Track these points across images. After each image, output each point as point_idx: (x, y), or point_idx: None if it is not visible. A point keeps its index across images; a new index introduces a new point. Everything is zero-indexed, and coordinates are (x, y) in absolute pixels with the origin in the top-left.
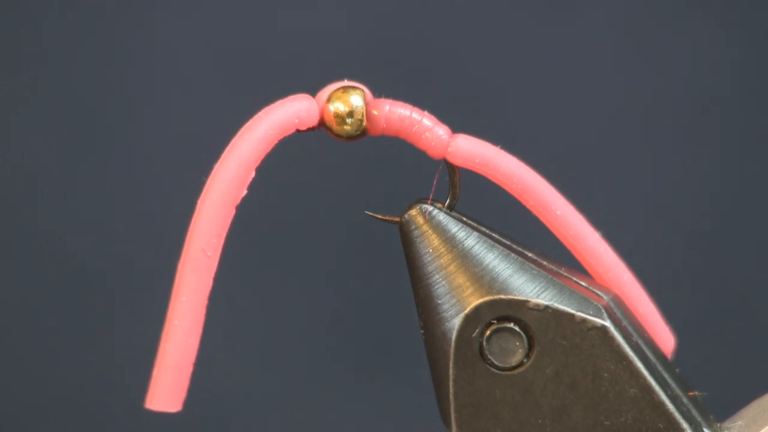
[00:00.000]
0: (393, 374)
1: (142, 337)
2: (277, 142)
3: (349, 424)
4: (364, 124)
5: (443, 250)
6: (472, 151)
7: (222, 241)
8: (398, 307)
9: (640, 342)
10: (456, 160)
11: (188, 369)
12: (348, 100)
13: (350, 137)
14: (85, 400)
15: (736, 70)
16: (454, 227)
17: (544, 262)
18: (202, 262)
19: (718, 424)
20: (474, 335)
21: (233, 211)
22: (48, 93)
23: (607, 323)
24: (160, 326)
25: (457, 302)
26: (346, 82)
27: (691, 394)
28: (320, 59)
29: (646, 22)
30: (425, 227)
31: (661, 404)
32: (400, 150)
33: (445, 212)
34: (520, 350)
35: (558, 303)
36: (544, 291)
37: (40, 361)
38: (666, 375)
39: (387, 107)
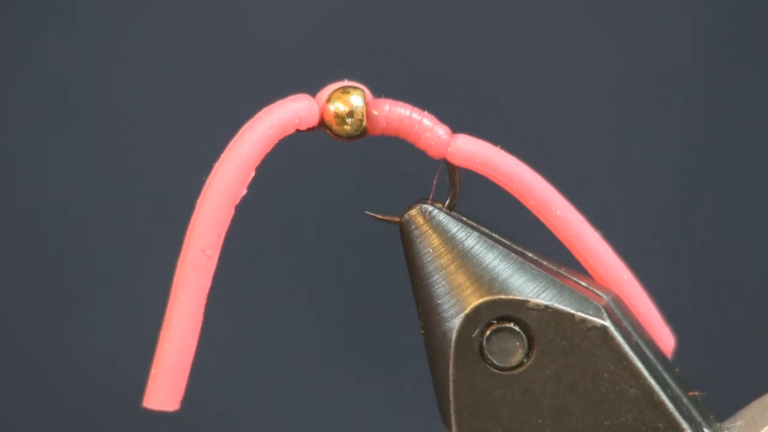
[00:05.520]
0: (393, 374)
1: (140, 336)
2: (277, 142)
3: (349, 424)
4: (364, 124)
5: (443, 250)
6: (472, 151)
7: (221, 241)
8: (398, 307)
9: (640, 342)
10: (456, 160)
11: (186, 368)
12: (348, 100)
13: (350, 137)
14: (83, 399)
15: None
16: (454, 227)
17: (544, 262)
18: (202, 261)
19: (718, 424)
20: (474, 335)
21: (233, 211)
22: (48, 92)
23: (607, 323)
24: (159, 325)
25: (457, 302)
26: (346, 82)
27: (691, 394)
28: (320, 59)
29: (641, 22)
30: (425, 227)
31: (661, 404)
32: (400, 150)
33: (445, 212)
34: (520, 350)
35: (558, 303)
36: (544, 291)
37: (38, 360)
38: (666, 375)
39: (387, 107)
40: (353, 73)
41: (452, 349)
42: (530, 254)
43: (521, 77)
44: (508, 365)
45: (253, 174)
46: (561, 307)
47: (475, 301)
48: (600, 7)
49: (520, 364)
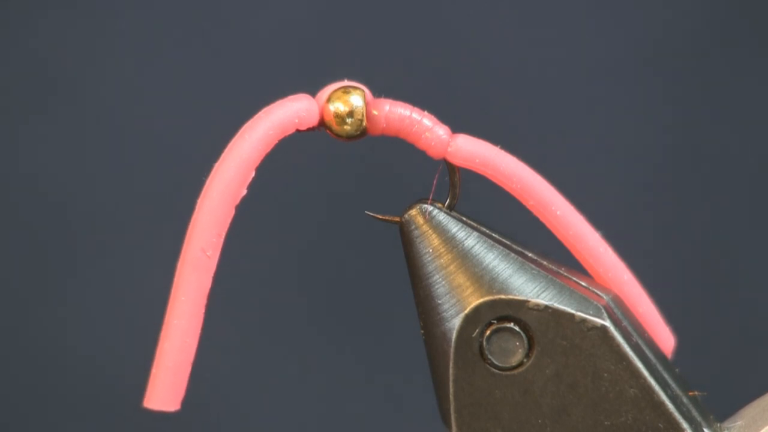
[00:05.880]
0: (393, 374)
1: (141, 336)
2: (277, 142)
3: (349, 424)
4: (364, 124)
5: (443, 250)
6: (472, 151)
7: (222, 241)
8: (398, 307)
9: (640, 342)
10: (456, 160)
11: (187, 368)
12: (348, 100)
13: (350, 137)
14: (83, 399)
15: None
16: (454, 227)
17: (544, 262)
18: (202, 261)
19: (718, 424)
20: (474, 335)
21: (233, 211)
22: (48, 92)
23: (607, 323)
24: (160, 325)
25: (457, 302)
26: (346, 82)
27: (691, 394)
28: (320, 59)
29: (641, 22)
30: (425, 227)
31: (661, 404)
32: (400, 150)
33: (445, 212)
34: (520, 350)
35: (558, 303)
36: (544, 291)
37: (38, 360)
38: (666, 375)
39: (387, 107)
40: (353, 73)
41: (452, 349)
42: (530, 254)
43: (521, 77)
44: (508, 365)
45: (253, 174)
46: (561, 307)
47: (475, 301)
48: (600, 7)
49: (520, 364)
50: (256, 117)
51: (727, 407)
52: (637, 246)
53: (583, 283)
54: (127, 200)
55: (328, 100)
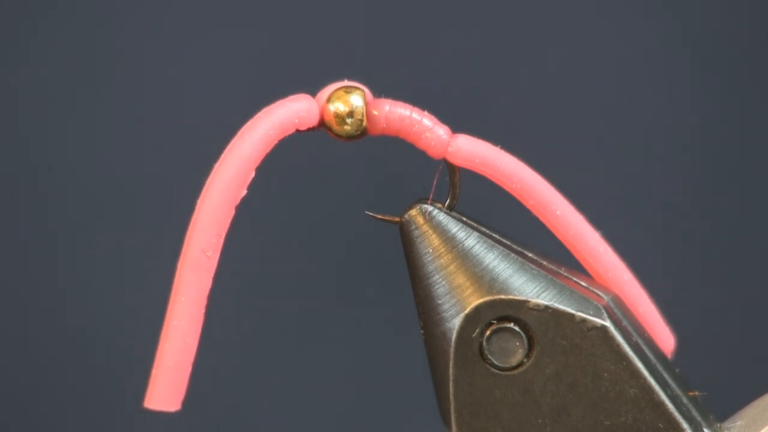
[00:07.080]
0: (393, 374)
1: (141, 337)
2: (277, 142)
3: (348, 424)
4: (364, 124)
5: (443, 250)
6: (472, 151)
7: (221, 241)
8: (398, 307)
9: (640, 342)
10: (456, 160)
11: (187, 368)
12: (348, 100)
13: (350, 137)
14: (83, 399)
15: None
16: (454, 227)
17: (544, 262)
18: (202, 261)
19: (718, 424)
20: (474, 335)
21: (233, 211)
22: (49, 92)
23: (607, 323)
24: (160, 326)
25: (457, 302)
26: (346, 82)
27: (691, 394)
28: (320, 59)
29: (640, 20)
30: (425, 227)
31: (661, 404)
32: (400, 150)
33: (445, 212)
34: (520, 350)
35: (558, 303)
36: (544, 291)
37: (38, 360)
38: (666, 375)
39: (387, 107)
40: (353, 73)
41: (452, 349)
42: (530, 254)
43: (521, 77)
44: (508, 365)
45: (253, 174)
46: (561, 307)
47: (475, 301)
48: (599, 7)
49: (520, 364)
50: (256, 117)
51: (727, 407)
52: (637, 246)
53: (583, 283)
54: (127, 200)
55: (328, 100)
